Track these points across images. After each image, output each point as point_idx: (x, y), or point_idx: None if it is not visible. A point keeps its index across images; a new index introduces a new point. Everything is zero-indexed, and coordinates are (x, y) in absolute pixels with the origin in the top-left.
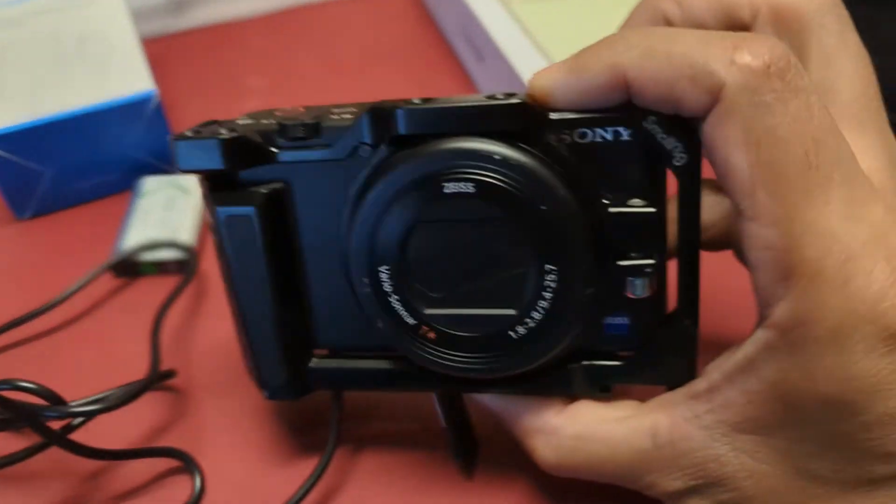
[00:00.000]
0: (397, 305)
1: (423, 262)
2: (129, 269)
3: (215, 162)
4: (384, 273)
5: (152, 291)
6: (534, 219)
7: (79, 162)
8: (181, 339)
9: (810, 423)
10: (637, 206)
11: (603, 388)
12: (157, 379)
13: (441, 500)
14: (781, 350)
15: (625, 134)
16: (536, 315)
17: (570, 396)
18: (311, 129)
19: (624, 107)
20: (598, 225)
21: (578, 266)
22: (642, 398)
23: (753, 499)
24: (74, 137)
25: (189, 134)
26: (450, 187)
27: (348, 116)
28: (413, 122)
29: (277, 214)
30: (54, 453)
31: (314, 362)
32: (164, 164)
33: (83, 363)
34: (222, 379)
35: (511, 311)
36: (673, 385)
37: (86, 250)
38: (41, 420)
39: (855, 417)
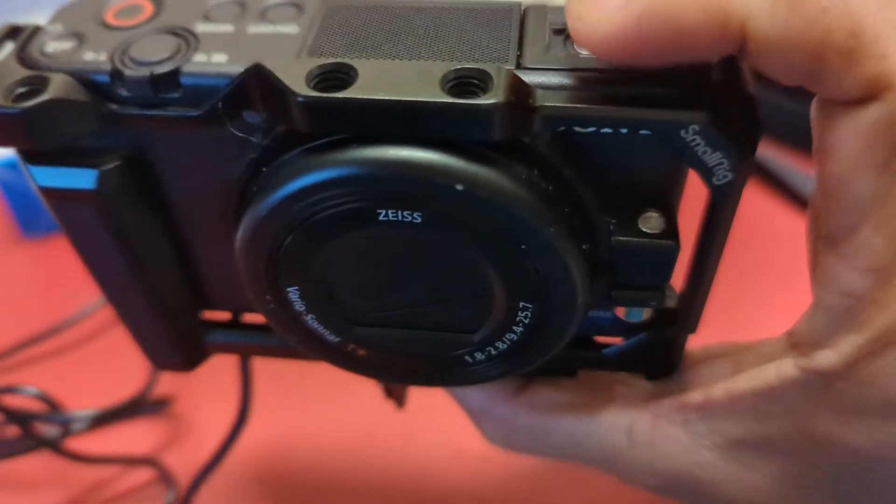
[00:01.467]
0: (314, 324)
1: (348, 281)
2: None
3: (20, 140)
4: (293, 293)
5: None
6: (509, 258)
7: None
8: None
9: (827, 457)
10: (652, 230)
11: (568, 373)
12: (151, 404)
13: None
14: (819, 393)
15: (644, 131)
16: (501, 345)
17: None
18: (165, 83)
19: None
20: (596, 252)
21: (563, 307)
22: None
23: (738, 501)
24: None
25: None
26: (387, 215)
27: (220, 61)
28: (323, 120)
29: (130, 185)
30: (49, 460)
31: (210, 335)
32: None
33: (90, 379)
34: (217, 403)
35: (468, 337)
36: (649, 377)
37: None
38: (32, 424)
39: (879, 470)
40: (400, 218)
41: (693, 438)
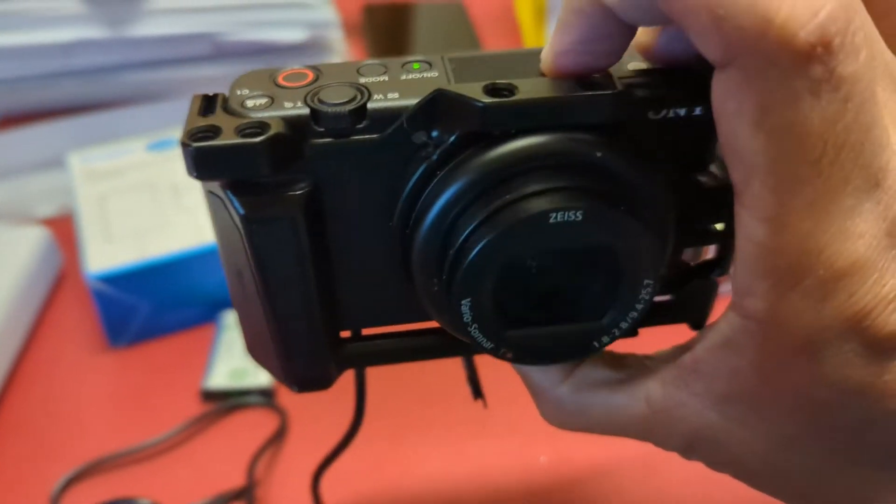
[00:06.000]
0: (476, 334)
1: (509, 287)
2: (218, 396)
3: (252, 170)
4: (465, 306)
5: (241, 420)
6: (638, 239)
7: (172, 297)
8: (268, 470)
9: (791, 405)
10: (713, 179)
11: (631, 333)
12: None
13: None
14: (757, 339)
15: (698, 110)
16: (625, 325)
17: None
18: (358, 115)
19: (699, 72)
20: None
21: (663, 262)
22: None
23: (748, 463)
24: (170, 277)
25: (203, 132)
26: (556, 217)
27: (395, 97)
28: (497, 119)
29: (311, 213)
30: None
31: (347, 349)
32: None
33: (183, 483)
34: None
35: (599, 323)
36: (693, 326)
37: (176, 377)
38: None
39: (830, 411)
40: (566, 219)
41: (695, 400)
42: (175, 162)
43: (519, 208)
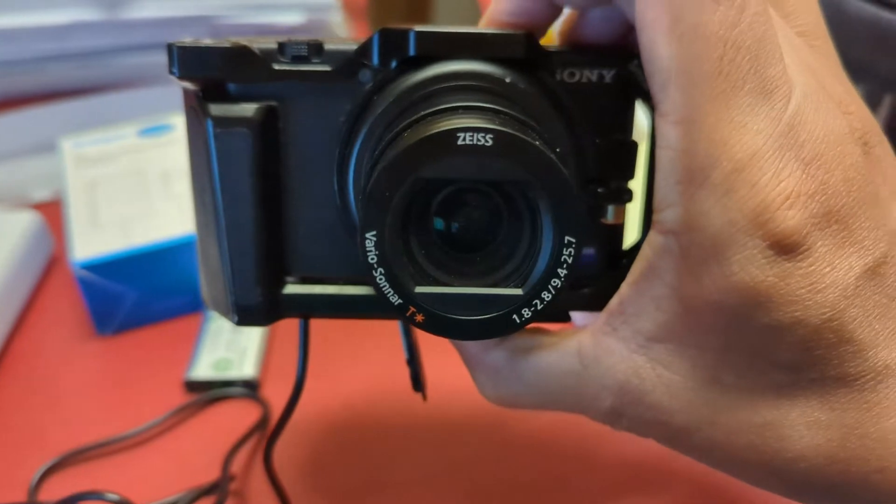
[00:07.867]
0: (382, 282)
1: (422, 237)
2: (202, 387)
3: (215, 68)
4: (370, 242)
5: (223, 411)
6: (551, 173)
7: (159, 286)
8: (249, 462)
9: (709, 329)
10: (626, 137)
11: (563, 318)
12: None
13: None
14: (675, 254)
15: (608, 76)
16: (547, 296)
17: None
18: (312, 49)
19: (611, 48)
20: (585, 162)
21: (577, 216)
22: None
23: (673, 414)
24: (157, 265)
25: (188, 41)
26: (465, 139)
27: (348, 43)
28: (424, 43)
29: (268, 132)
30: None
31: (288, 289)
32: None
33: (160, 474)
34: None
35: (518, 293)
36: None
37: (161, 366)
38: None
39: (743, 327)
40: (475, 141)
41: (623, 344)
42: (166, 148)
43: (427, 124)
